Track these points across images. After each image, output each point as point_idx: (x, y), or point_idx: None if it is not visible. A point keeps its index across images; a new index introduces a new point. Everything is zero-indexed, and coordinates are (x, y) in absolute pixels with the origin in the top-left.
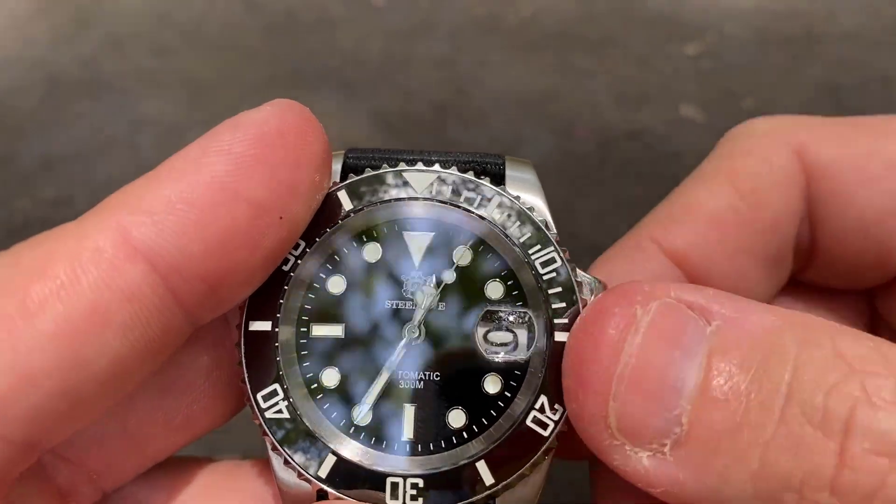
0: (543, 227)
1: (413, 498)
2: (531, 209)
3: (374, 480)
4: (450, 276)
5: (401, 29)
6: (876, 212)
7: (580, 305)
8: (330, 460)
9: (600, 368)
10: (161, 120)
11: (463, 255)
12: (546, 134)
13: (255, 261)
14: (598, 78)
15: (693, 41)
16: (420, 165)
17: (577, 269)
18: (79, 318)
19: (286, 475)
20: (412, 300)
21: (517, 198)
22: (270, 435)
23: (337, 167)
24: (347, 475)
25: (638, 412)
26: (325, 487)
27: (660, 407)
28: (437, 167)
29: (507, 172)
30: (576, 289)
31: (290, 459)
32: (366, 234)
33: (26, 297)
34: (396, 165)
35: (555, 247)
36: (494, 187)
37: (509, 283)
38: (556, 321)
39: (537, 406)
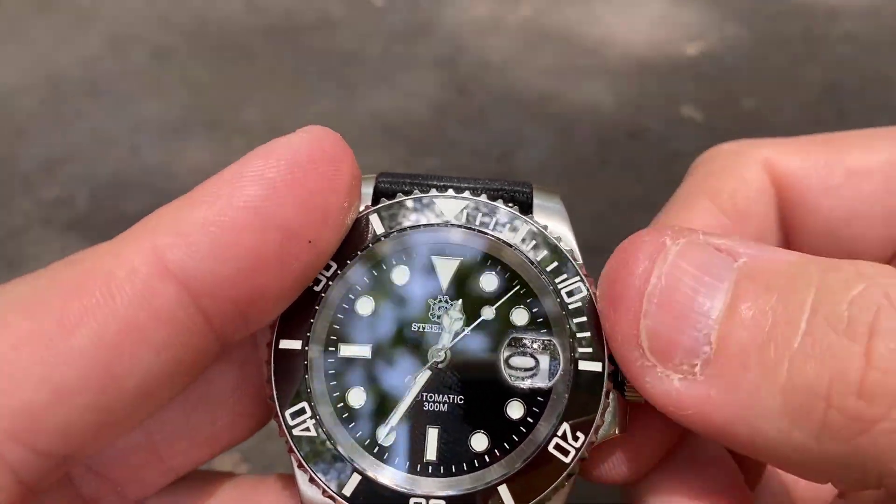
0: (570, 257)
1: None
2: (559, 238)
3: (397, 500)
4: (490, 315)
5: (401, 29)
6: (840, 217)
7: (604, 336)
8: (355, 479)
9: (632, 288)
10: (161, 120)
11: (490, 281)
12: (546, 134)
13: (284, 284)
14: (598, 78)
15: (693, 41)
16: (451, 192)
17: None
18: (113, 336)
19: (311, 492)
20: (439, 324)
21: (545, 227)
22: (297, 452)
23: (368, 190)
24: (371, 494)
25: (668, 330)
26: None
27: (689, 326)
28: (467, 194)
29: (535, 202)
30: (599, 319)
31: (315, 477)
32: (395, 258)
33: (63, 315)
34: (428, 191)
35: (580, 277)
36: (523, 216)
37: (535, 310)
38: (580, 350)
39: (559, 433)
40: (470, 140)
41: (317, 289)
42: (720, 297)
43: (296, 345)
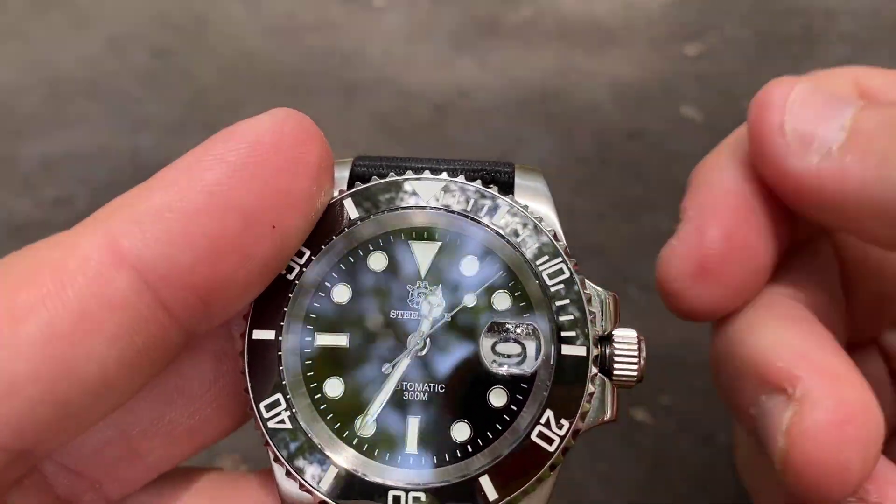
0: (552, 238)
1: None
2: (540, 219)
3: (376, 493)
4: (471, 300)
5: (401, 30)
6: None
7: (588, 318)
8: (332, 472)
9: (777, 96)
10: (161, 121)
11: (470, 265)
12: (546, 134)
13: (248, 271)
14: (599, 78)
15: (693, 41)
16: (427, 174)
17: (588, 282)
18: (64, 326)
19: (288, 485)
20: (418, 310)
21: (525, 207)
22: (273, 445)
23: (345, 174)
24: (349, 487)
25: (808, 123)
26: (326, 499)
27: (826, 118)
28: (444, 175)
29: (517, 181)
30: (584, 301)
31: (291, 470)
32: (372, 243)
33: (13, 305)
34: (403, 174)
35: (563, 258)
36: (502, 197)
37: (516, 293)
38: (563, 334)
39: (542, 421)
40: (470, 140)
41: (290, 276)
42: (850, 105)
43: (269, 335)
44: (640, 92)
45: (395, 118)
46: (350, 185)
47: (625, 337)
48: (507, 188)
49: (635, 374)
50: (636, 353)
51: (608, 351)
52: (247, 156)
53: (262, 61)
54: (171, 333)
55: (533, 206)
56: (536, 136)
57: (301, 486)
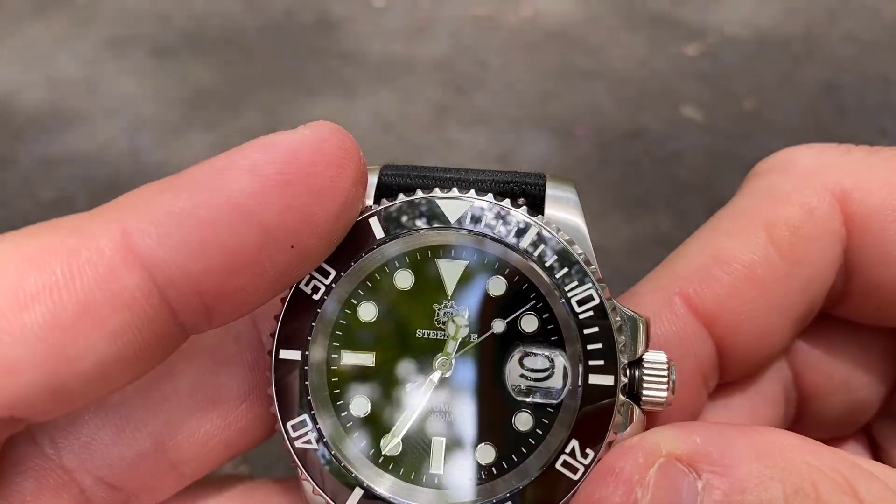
0: (582, 263)
1: None
2: (571, 242)
3: None
4: (498, 323)
5: (401, 29)
6: None
7: (618, 346)
8: (357, 492)
9: None
10: (161, 120)
11: (497, 286)
12: (546, 134)
13: (258, 286)
14: (599, 78)
15: (693, 42)
16: (455, 191)
17: (618, 305)
18: (68, 317)
19: (315, 502)
20: (444, 330)
21: (557, 230)
22: (300, 465)
23: (372, 183)
24: None
25: None
26: None
27: None
28: (472, 193)
29: (548, 192)
30: (613, 329)
31: (317, 489)
32: (398, 261)
33: (19, 289)
34: (431, 189)
35: (593, 284)
36: (531, 218)
37: (544, 316)
38: (591, 363)
39: (567, 450)
40: (469, 140)
41: (315, 297)
42: None
43: (295, 355)
44: (641, 92)
45: (396, 117)
46: (377, 196)
47: (654, 361)
48: (538, 201)
49: (664, 398)
50: (665, 378)
51: (637, 374)
52: (280, 171)
53: (261, 60)
54: (171, 332)
55: (564, 219)
56: (536, 137)
57: (326, 503)
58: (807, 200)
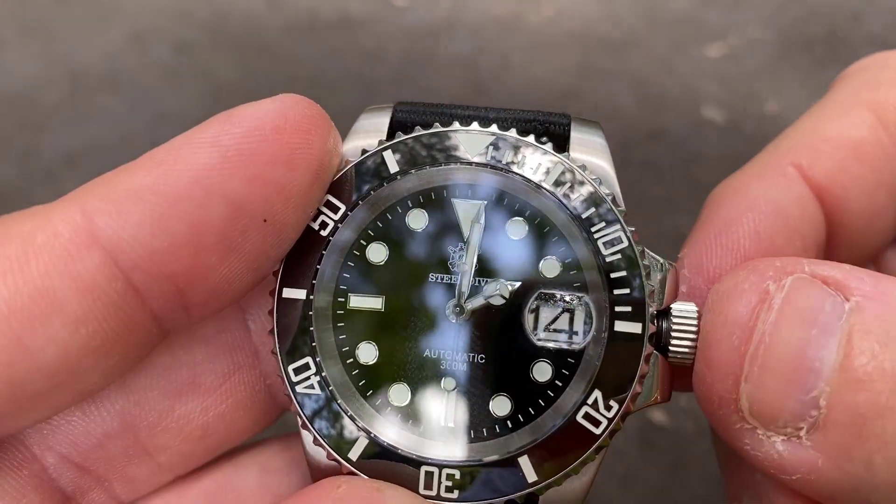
0: (610, 203)
1: (448, 490)
2: (598, 181)
3: (408, 468)
4: (517, 267)
5: (422, 28)
6: None
7: (647, 292)
8: (362, 442)
9: (730, 349)
10: (182, 116)
11: (518, 228)
12: None
13: (233, 265)
14: (620, 79)
15: (715, 42)
16: (475, 125)
17: (648, 251)
18: (24, 304)
19: (315, 454)
20: (459, 275)
21: (583, 167)
22: (300, 411)
23: (385, 121)
24: (379, 459)
25: (772, 394)
26: (354, 471)
27: (796, 388)
28: (494, 128)
29: (573, 134)
30: (642, 274)
31: (319, 438)
32: (411, 200)
33: None
34: (450, 124)
35: (622, 225)
36: (558, 154)
37: (567, 261)
38: (616, 309)
39: (590, 401)
40: None
41: (323, 233)
42: (831, 349)
43: (300, 294)
44: (662, 93)
45: None
46: (391, 134)
47: (684, 311)
48: (562, 141)
49: (693, 351)
50: (695, 330)
51: (665, 326)
52: (242, 141)
53: (282, 58)
54: (144, 324)
55: (590, 161)
56: None
57: (328, 455)
58: None
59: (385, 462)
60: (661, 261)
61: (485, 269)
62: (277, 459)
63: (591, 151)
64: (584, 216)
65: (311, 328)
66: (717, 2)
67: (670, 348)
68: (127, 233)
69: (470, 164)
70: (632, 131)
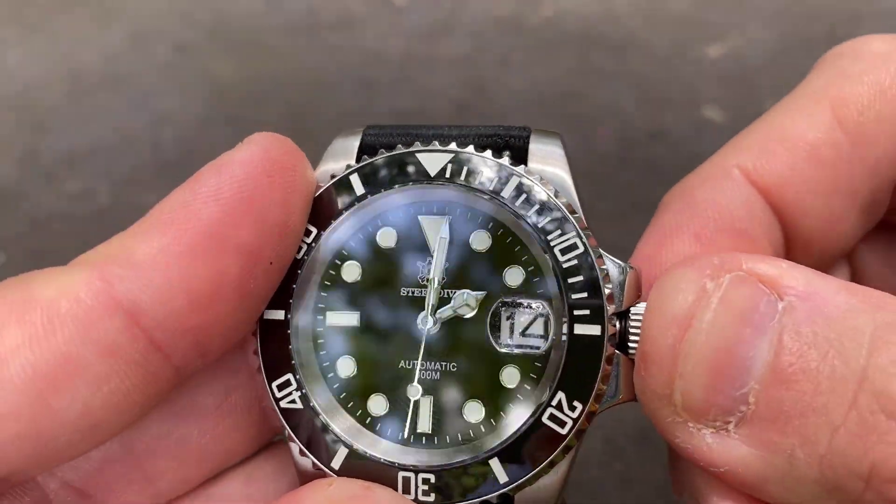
0: (566, 211)
1: (425, 493)
2: (555, 192)
3: (387, 474)
4: (481, 275)
5: (422, 28)
6: None
7: (604, 295)
8: (342, 452)
9: (666, 345)
10: (182, 116)
11: (480, 240)
12: (567, 134)
13: (245, 308)
14: (620, 78)
15: (716, 42)
16: (435, 144)
17: (606, 255)
18: (50, 369)
19: (303, 462)
20: (428, 287)
21: (539, 178)
22: (286, 425)
23: (355, 144)
24: (360, 467)
25: (704, 390)
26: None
27: (727, 385)
28: (453, 146)
29: (532, 146)
30: (599, 277)
31: (304, 449)
32: (380, 219)
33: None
34: (411, 145)
35: (577, 231)
36: (513, 167)
37: (529, 268)
38: (576, 312)
39: (554, 403)
40: None
41: (298, 255)
42: (763, 348)
43: (279, 315)
44: (662, 92)
45: (416, 116)
46: (359, 157)
47: (642, 311)
48: (522, 153)
49: None
50: None
51: (625, 326)
52: (241, 190)
53: (282, 58)
54: (163, 375)
55: (547, 171)
56: None
57: (313, 464)
58: (878, 80)
59: (365, 469)
60: (622, 264)
61: (452, 282)
62: (263, 467)
63: (548, 161)
64: (540, 224)
65: (291, 346)
66: (717, 2)
67: (631, 347)
68: (148, 296)
69: (431, 182)
70: (632, 131)
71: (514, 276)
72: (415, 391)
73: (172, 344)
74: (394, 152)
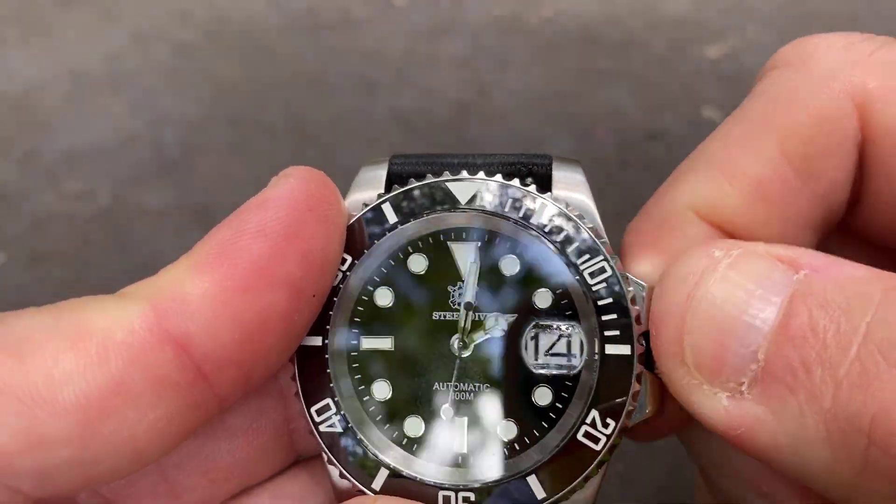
0: (593, 236)
1: None
2: (581, 216)
3: (427, 494)
4: (511, 299)
5: (422, 29)
6: None
7: (632, 316)
8: (383, 473)
9: (674, 303)
10: (183, 117)
11: (510, 265)
12: (566, 134)
13: (287, 340)
14: (620, 79)
15: (715, 43)
16: (464, 173)
17: (630, 276)
18: (101, 396)
19: (342, 485)
20: (459, 311)
21: (566, 204)
22: (325, 449)
23: (382, 173)
24: (400, 487)
25: (712, 346)
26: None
27: (735, 341)
28: (481, 174)
29: (554, 173)
30: (627, 299)
31: (343, 472)
32: (411, 246)
33: (54, 368)
34: (440, 174)
35: (604, 256)
36: (541, 195)
37: (558, 291)
38: (606, 333)
39: (588, 420)
40: (490, 140)
41: (334, 283)
42: (772, 310)
43: (317, 341)
44: (661, 93)
45: (417, 117)
46: (388, 185)
47: None
48: (545, 180)
49: None
50: None
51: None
52: (287, 225)
53: (282, 58)
54: (207, 404)
55: (572, 197)
56: (557, 137)
57: (353, 486)
58: (823, 107)
59: (405, 489)
60: (644, 284)
61: (483, 305)
62: (290, 485)
63: (572, 188)
64: (569, 249)
65: (329, 371)
66: (716, 3)
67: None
68: (198, 329)
69: (462, 209)
70: (632, 131)
71: (543, 298)
72: (449, 412)
73: (219, 375)
74: (424, 182)
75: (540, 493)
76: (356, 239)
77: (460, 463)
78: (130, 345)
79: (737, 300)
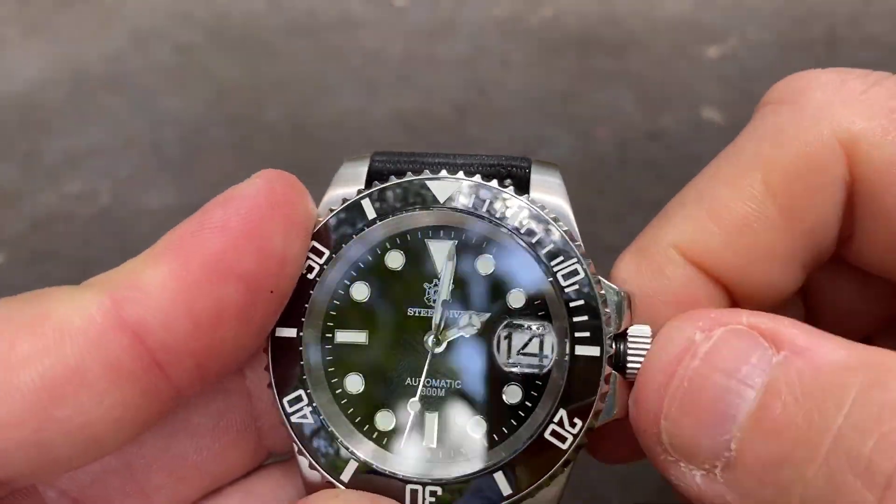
0: (567, 238)
1: None
2: (555, 219)
3: (394, 487)
4: (485, 297)
5: (422, 29)
6: None
7: (603, 318)
8: (352, 466)
9: (653, 389)
10: (183, 117)
11: (486, 264)
12: (566, 134)
13: (246, 336)
14: (619, 79)
15: (715, 43)
16: (444, 172)
17: (603, 280)
18: (57, 380)
19: (312, 477)
20: (434, 308)
21: (542, 207)
22: (296, 439)
23: (363, 170)
24: (368, 481)
25: (689, 433)
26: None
27: (711, 430)
28: (460, 174)
29: (533, 176)
30: (598, 302)
31: (313, 463)
32: (389, 242)
33: (11, 351)
34: (421, 172)
35: (578, 258)
36: (518, 196)
37: (531, 292)
38: (577, 334)
39: (556, 419)
40: (490, 140)
41: (310, 276)
42: (749, 399)
43: (291, 332)
44: (661, 93)
45: (416, 117)
46: (368, 182)
47: (639, 333)
48: (524, 183)
49: None
50: (649, 350)
51: (622, 347)
52: (246, 221)
53: (282, 58)
54: (163, 394)
55: (548, 200)
56: (557, 137)
57: (323, 477)
58: (809, 146)
59: (373, 483)
60: (618, 289)
61: (458, 303)
62: (262, 483)
63: (549, 191)
64: (543, 251)
65: (302, 363)
66: (717, 2)
67: (628, 368)
68: (154, 318)
69: (440, 208)
70: (632, 131)
71: (517, 298)
72: (420, 408)
73: (174, 365)
74: (404, 179)
75: (506, 489)
76: (334, 233)
77: (429, 458)
78: (87, 331)
79: (715, 390)
